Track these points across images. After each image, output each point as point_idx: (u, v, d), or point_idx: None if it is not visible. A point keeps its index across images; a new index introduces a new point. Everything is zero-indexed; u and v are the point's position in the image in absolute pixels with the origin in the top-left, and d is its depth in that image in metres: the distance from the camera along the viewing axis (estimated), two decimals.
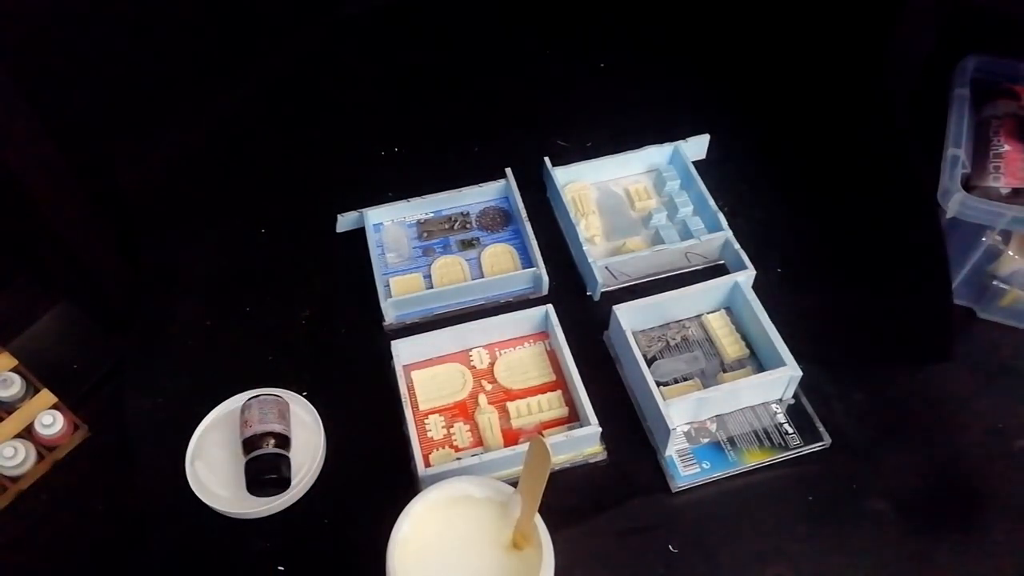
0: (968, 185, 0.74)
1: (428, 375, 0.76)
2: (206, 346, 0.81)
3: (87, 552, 0.69)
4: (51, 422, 0.72)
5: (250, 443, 0.68)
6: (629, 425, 0.72)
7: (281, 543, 0.67)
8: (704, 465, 0.69)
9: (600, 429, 0.68)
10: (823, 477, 0.69)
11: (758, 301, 0.75)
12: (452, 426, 0.72)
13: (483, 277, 0.82)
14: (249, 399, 0.71)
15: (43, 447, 0.73)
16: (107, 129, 0.88)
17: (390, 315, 0.80)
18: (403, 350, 0.74)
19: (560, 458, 0.70)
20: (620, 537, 0.66)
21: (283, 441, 0.69)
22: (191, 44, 0.96)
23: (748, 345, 0.76)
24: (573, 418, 0.72)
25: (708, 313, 0.79)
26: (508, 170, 0.89)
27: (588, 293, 0.82)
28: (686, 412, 0.70)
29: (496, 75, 1.07)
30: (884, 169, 0.86)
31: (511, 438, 0.71)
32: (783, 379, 0.70)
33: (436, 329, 0.76)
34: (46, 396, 0.74)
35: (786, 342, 0.72)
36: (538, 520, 0.54)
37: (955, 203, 0.70)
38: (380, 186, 0.91)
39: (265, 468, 0.67)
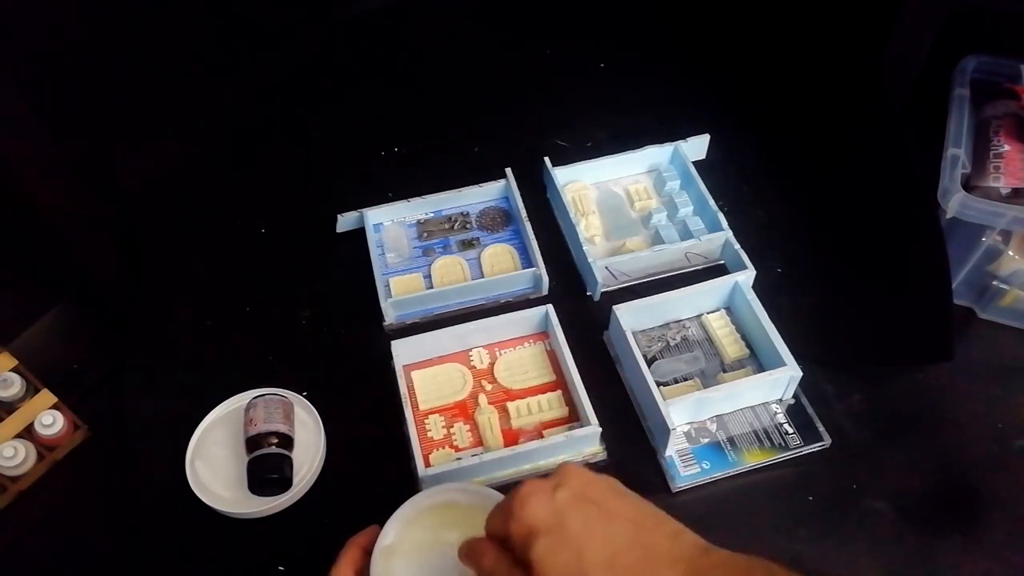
0: (968, 185, 0.74)
1: (428, 375, 0.76)
2: (206, 346, 0.81)
3: (87, 552, 0.69)
4: (51, 422, 0.72)
5: (253, 442, 0.68)
6: (629, 425, 0.72)
7: (281, 543, 0.67)
8: (704, 465, 0.69)
9: (600, 429, 0.68)
10: (823, 477, 0.69)
11: (758, 301, 0.75)
12: (452, 426, 0.72)
13: (483, 277, 0.82)
14: (254, 398, 0.71)
15: (43, 447, 0.73)
16: (107, 129, 0.88)
17: (390, 315, 0.80)
18: (403, 350, 0.74)
19: (560, 458, 0.70)
20: None
21: (286, 441, 0.69)
22: (191, 44, 0.96)
23: (748, 345, 0.76)
24: (573, 418, 0.72)
25: (708, 313, 0.79)
26: (508, 170, 0.89)
27: (588, 293, 0.82)
28: (686, 412, 0.70)
29: (496, 75, 1.07)
30: (884, 169, 0.86)
31: (511, 438, 0.71)
32: (783, 379, 0.70)
33: (436, 329, 0.76)
34: (46, 396, 0.74)
35: (786, 342, 0.72)
36: None
37: (955, 203, 0.70)
38: (380, 186, 0.91)
39: (268, 468, 0.68)
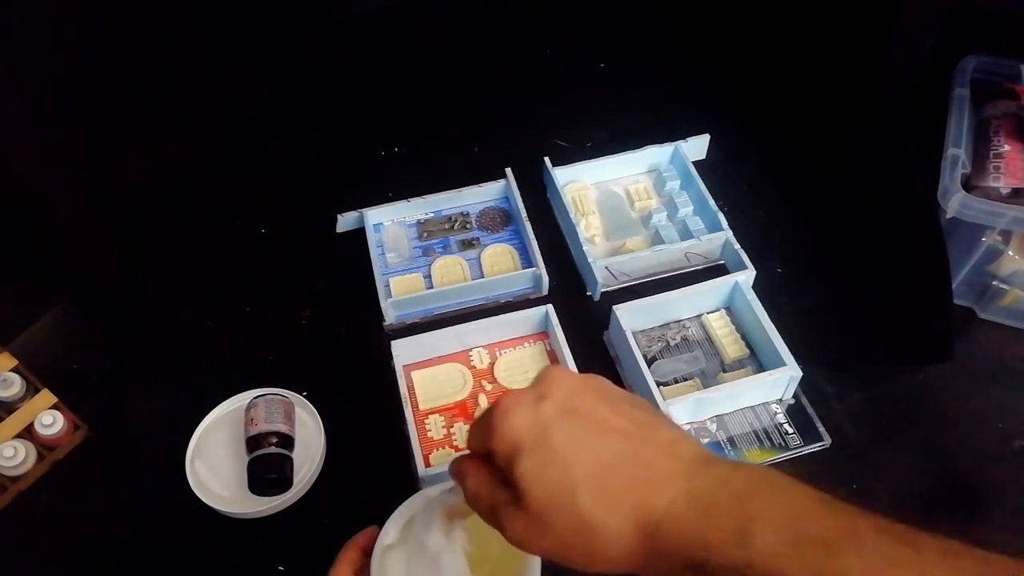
0: (968, 185, 0.74)
1: (428, 375, 0.76)
2: (206, 346, 0.81)
3: (87, 552, 0.69)
4: (51, 422, 0.72)
5: (254, 442, 0.68)
6: None
7: (281, 543, 0.67)
8: None
9: None
10: (823, 477, 0.69)
11: (758, 301, 0.75)
12: (452, 426, 0.72)
13: (483, 277, 0.82)
14: (255, 398, 0.71)
15: (43, 447, 0.73)
16: (107, 129, 0.88)
17: (390, 315, 0.80)
18: (403, 350, 0.74)
19: None
20: None
21: (287, 441, 0.69)
22: (191, 44, 0.96)
23: (748, 345, 0.76)
24: None
25: (708, 313, 0.79)
26: (508, 170, 0.89)
27: (588, 293, 0.82)
28: (686, 412, 0.70)
29: (496, 75, 1.07)
30: (884, 169, 0.86)
31: None
32: (783, 379, 0.70)
33: (436, 329, 0.76)
34: (46, 396, 0.74)
35: (786, 342, 0.72)
36: None
37: (955, 203, 0.70)
38: (380, 186, 0.91)
39: (268, 467, 0.68)
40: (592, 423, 0.39)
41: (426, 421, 0.73)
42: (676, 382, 0.74)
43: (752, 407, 0.72)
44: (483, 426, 0.41)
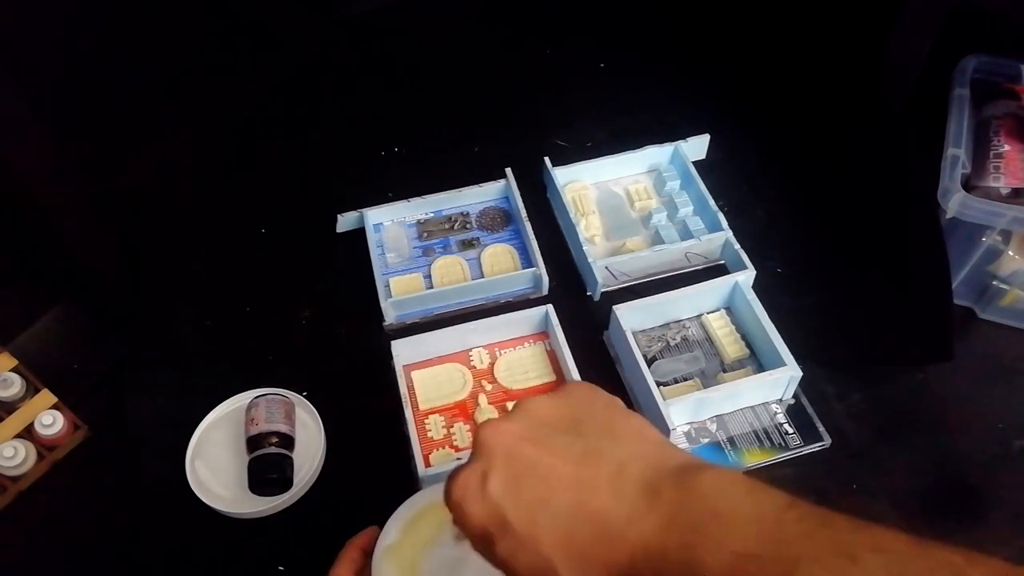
0: (968, 185, 0.74)
1: (428, 375, 0.76)
2: (206, 346, 0.81)
3: (87, 552, 0.69)
4: (51, 422, 0.72)
5: (254, 442, 0.68)
6: None
7: (281, 543, 0.67)
8: None
9: None
10: (823, 477, 0.69)
11: (758, 301, 0.75)
12: (452, 426, 0.72)
13: (483, 277, 0.82)
14: (256, 397, 0.71)
15: (43, 447, 0.73)
16: (107, 129, 0.88)
17: (390, 315, 0.80)
18: (403, 350, 0.74)
19: None
20: None
21: (287, 441, 0.69)
22: (191, 44, 0.96)
23: (748, 345, 0.76)
24: None
25: (708, 313, 0.79)
26: (508, 170, 0.89)
27: (588, 293, 0.82)
28: (686, 412, 0.70)
29: (496, 75, 1.07)
30: (884, 169, 0.86)
31: None
32: (783, 379, 0.70)
33: (436, 329, 0.76)
34: (46, 396, 0.74)
35: (786, 342, 0.72)
36: None
37: (955, 203, 0.70)
38: (380, 186, 0.91)
39: (268, 468, 0.68)
40: (539, 482, 0.39)
41: (426, 421, 0.73)
42: (676, 382, 0.74)
43: (752, 407, 0.72)
44: (453, 512, 0.42)
